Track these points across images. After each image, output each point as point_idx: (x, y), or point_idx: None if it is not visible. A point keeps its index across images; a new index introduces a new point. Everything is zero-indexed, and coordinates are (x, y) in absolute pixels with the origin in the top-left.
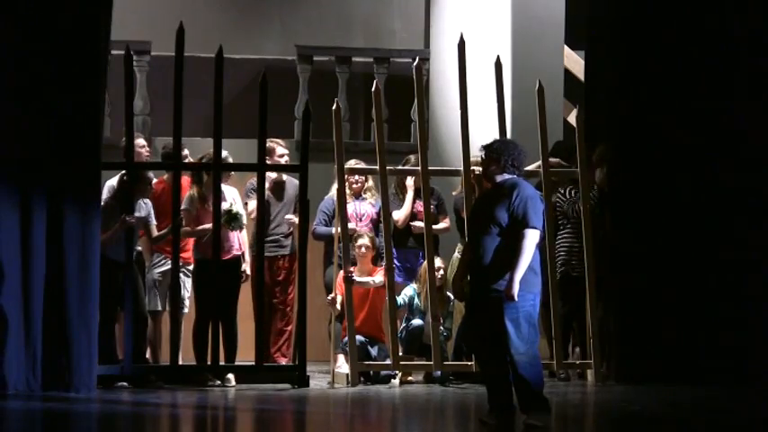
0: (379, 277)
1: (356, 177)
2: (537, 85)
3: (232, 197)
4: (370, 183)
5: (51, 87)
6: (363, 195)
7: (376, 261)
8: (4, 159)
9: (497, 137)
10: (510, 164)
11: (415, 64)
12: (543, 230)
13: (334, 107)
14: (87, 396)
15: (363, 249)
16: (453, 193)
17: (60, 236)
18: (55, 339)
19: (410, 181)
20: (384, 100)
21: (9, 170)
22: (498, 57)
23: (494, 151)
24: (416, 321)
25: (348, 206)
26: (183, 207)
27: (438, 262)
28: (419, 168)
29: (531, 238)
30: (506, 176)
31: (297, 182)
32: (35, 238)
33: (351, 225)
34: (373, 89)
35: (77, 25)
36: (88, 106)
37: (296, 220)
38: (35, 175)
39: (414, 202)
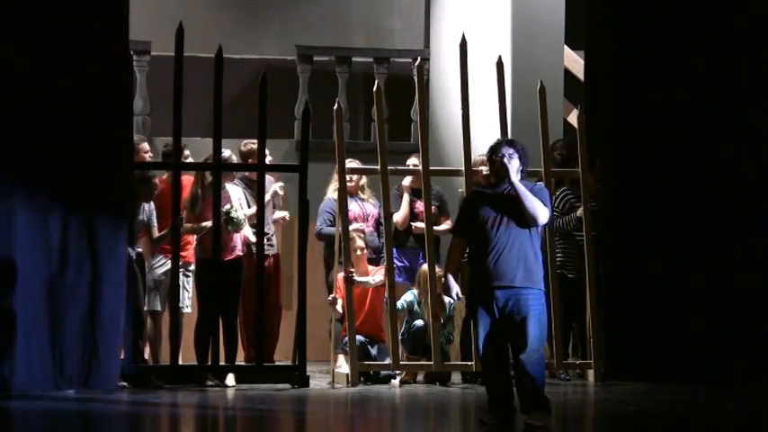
0: (378, 276)
1: (350, 176)
2: (539, 85)
3: (237, 197)
4: (364, 181)
5: (80, 88)
6: (362, 195)
7: (378, 261)
8: (29, 161)
9: (498, 137)
10: (525, 171)
11: (416, 64)
12: (544, 227)
13: (335, 107)
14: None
15: (358, 252)
16: (460, 190)
17: (91, 236)
18: (85, 340)
19: (406, 181)
20: (384, 100)
21: (35, 171)
22: (500, 57)
23: (526, 158)
24: (419, 322)
25: (354, 206)
26: (185, 207)
27: (438, 269)
28: (420, 168)
29: (542, 207)
30: (520, 178)
31: (271, 178)
32: (61, 238)
33: (358, 225)
34: (375, 89)
35: (103, 28)
36: (117, 106)
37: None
38: (62, 175)
39: (413, 202)
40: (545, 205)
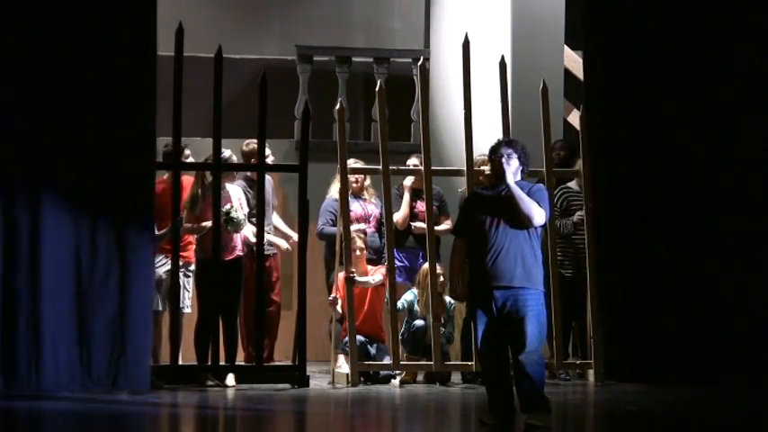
0: (378, 276)
1: (355, 176)
2: (541, 85)
3: (237, 197)
4: (368, 182)
5: (106, 89)
6: (364, 195)
7: (379, 261)
8: (56, 162)
9: (500, 136)
10: (526, 171)
11: (419, 64)
12: (545, 226)
13: (337, 107)
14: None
15: (358, 252)
16: (460, 190)
17: (119, 236)
18: (113, 341)
19: (407, 181)
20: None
21: (63, 171)
22: (503, 56)
23: (527, 158)
24: (419, 322)
25: (356, 206)
26: (185, 207)
27: (438, 268)
28: (422, 168)
29: (539, 210)
30: (519, 178)
31: (271, 179)
32: (89, 239)
33: (361, 226)
34: (377, 88)
35: (129, 33)
36: (141, 106)
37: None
38: (87, 177)
39: (413, 202)
40: (542, 206)
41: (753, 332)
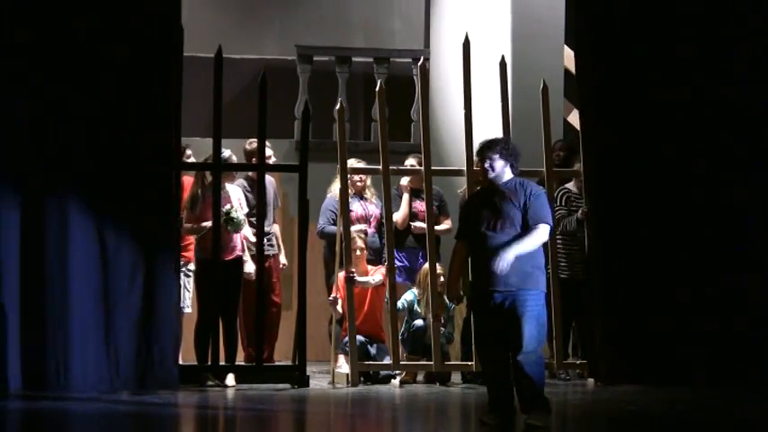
0: (378, 276)
1: (359, 176)
2: (541, 85)
3: (237, 197)
4: (368, 182)
5: (130, 91)
6: (366, 195)
7: (379, 261)
8: (83, 164)
9: (499, 136)
10: (517, 166)
11: (419, 64)
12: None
13: (337, 107)
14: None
15: (358, 252)
16: (459, 190)
17: (143, 237)
18: (139, 341)
19: (404, 181)
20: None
21: (87, 173)
22: (503, 56)
23: (511, 152)
24: (419, 322)
25: (356, 206)
26: (185, 207)
27: (438, 268)
28: (422, 168)
29: (543, 232)
30: (512, 176)
31: (273, 180)
32: (116, 240)
33: (362, 226)
34: (377, 88)
35: (152, 32)
36: (165, 108)
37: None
38: (114, 177)
39: (412, 202)
40: (541, 214)
41: (753, 332)
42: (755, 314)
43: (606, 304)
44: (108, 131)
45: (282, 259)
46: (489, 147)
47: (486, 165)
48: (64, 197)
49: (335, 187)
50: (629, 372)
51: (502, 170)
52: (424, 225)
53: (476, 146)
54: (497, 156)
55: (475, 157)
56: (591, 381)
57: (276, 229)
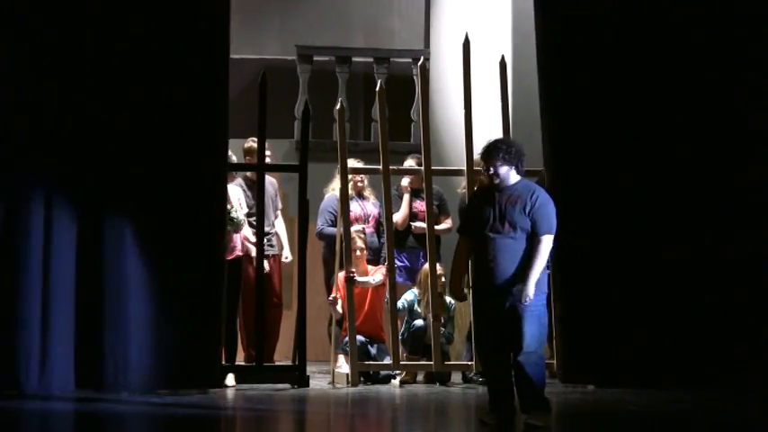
0: (378, 276)
1: (360, 176)
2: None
3: (237, 197)
4: (366, 182)
5: (177, 92)
6: (364, 194)
7: (378, 261)
8: (128, 163)
9: (500, 138)
10: (522, 167)
11: (419, 64)
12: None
13: (337, 107)
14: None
15: (358, 252)
16: (460, 190)
17: (193, 239)
18: (184, 341)
19: (405, 182)
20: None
21: (133, 173)
22: (503, 56)
23: (514, 155)
24: (419, 322)
25: (355, 207)
26: None
27: (438, 268)
28: (422, 168)
29: (548, 243)
30: (519, 178)
31: (274, 180)
32: (166, 242)
33: (359, 226)
34: (377, 88)
35: (200, 31)
36: (213, 109)
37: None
38: (160, 177)
39: (412, 202)
40: (549, 227)
41: (733, 331)
42: (702, 315)
43: (564, 303)
44: (158, 133)
45: (287, 253)
46: (490, 154)
47: (491, 171)
48: (125, 201)
49: (333, 187)
50: (584, 371)
51: (507, 174)
52: (424, 225)
53: (476, 146)
54: (500, 162)
55: (477, 158)
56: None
57: (279, 227)
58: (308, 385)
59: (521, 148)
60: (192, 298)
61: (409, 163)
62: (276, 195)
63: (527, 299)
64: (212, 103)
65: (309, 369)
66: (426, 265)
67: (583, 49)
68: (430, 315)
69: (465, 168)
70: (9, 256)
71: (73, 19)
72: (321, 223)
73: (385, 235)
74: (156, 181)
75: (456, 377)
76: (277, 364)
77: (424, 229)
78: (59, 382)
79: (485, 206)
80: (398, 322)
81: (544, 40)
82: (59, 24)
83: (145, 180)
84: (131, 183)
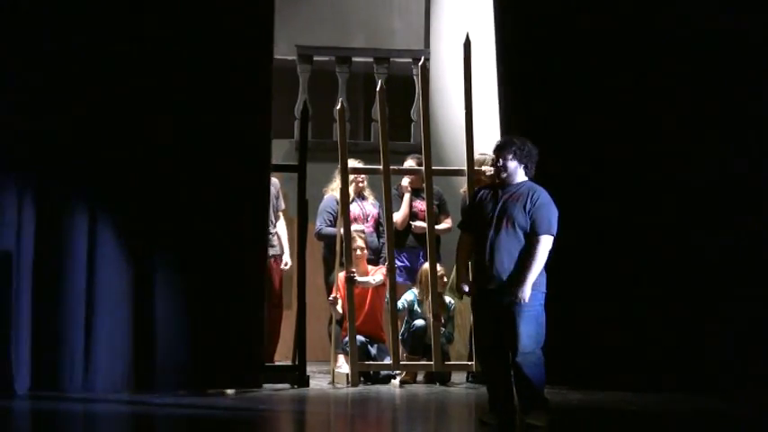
0: (378, 276)
1: (360, 176)
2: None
3: None
4: (366, 182)
5: (221, 90)
6: (364, 195)
7: (377, 261)
8: (171, 164)
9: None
10: (531, 168)
11: (420, 63)
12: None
13: (338, 107)
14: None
15: (358, 251)
16: (461, 191)
17: (238, 234)
18: (222, 340)
19: (405, 181)
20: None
21: (176, 173)
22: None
23: (525, 154)
24: (419, 322)
25: (354, 207)
26: None
27: (439, 268)
28: (422, 168)
29: (546, 244)
30: (525, 179)
31: (276, 181)
32: (211, 242)
33: (359, 226)
34: (378, 88)
35: (245, 34)
36: (258, 110)
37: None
38: (204, 178)
39: (412, 201)
40: (547, 227)
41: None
42: (675, 317)
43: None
44: (201, 131)
45: (286, 258)
46: (503, 146)
47: (500, 164)
48: (166, 205)
49: (333, 187)
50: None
51: (514, 171)
52: (423, 224)
53: (476, 146)
54: (511, 156)
55: (487, 153)
56: None
57: (281, 229)
58: (308, 385)
59: (534, 150)
60: (236, 300)
61: (409, 163)
62: (278, 196)
63: (523, 300)
64: (256, 103)
65: (309, 369)
66: (426, 265)
67: (540, 47)
68: (430, 315)
69: (465, 168)
70: (55, 264)
71: (121, 24)
72: (320, 223)
73: (385, 235)
74: (200, 184)
75: (458, 377)
76: (277, 364)
77: (423, 228)
78: (104, 384)
79: (486, 203)
80: (398, 322)
81: (503, 35)
82: (107, 28)
83: (192, 183)
84: (179, 187)
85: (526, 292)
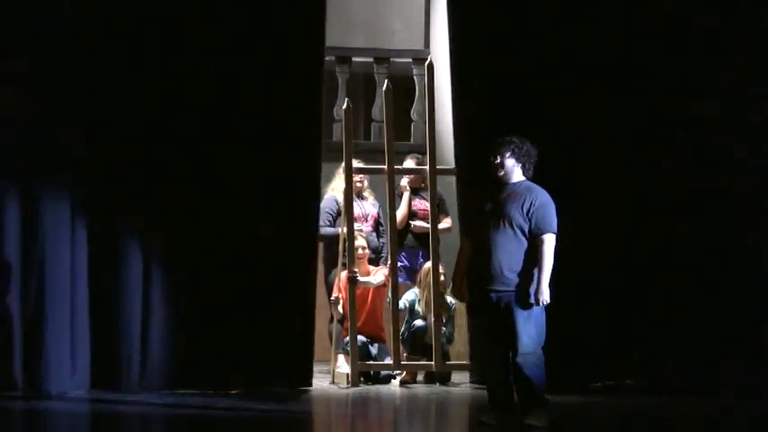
0: (380, 276)
1: (359, 176)
2: (427, 61)
3: None
4: (366, 182)
5: (271, 90)
6: (364, 195)
7: (377, 261)
8: (218, 165)
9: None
10: (529, 168)
11: (426, 63)
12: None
13: (344, 107)
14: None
15: (360, 251)
16: None
17: (286, 239)
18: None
19: (404, 181)
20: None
21: (225, 174)
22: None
23: (524, 153)
24: (419, 322)
25: (354, 206)
26: None
27: (439, 267)
28: (426, 168)
29: (550, 242)
30: (523, 178)
31: None
32: (256, 241)
33: (358, 226)
34: (384, 88)
35: (295, 32)
36: (309, 107)
37: None
38: (253, 181)
39: (411, 201)
40: (549, 225)
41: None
42: (658, 316)
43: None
44: (255, 133)
45: None
46: (502, 144)
47: (497, 161)
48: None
49: (333, 187)
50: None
51: (511, 169)
52: (422, 223)
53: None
54: (508, 153)
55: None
56: None
57: None
58: (309, 385)
59: (533, 150)
60: (284, 300)
61: (408, 163)
62: None
63: (543, 302)
64: (307, 104)
65: None
66: (427, 265)
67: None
68: (430, 315)
69: None
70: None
71: (173, 27)
72: (320, 223)
73: (386, 235)
74: (244, 180)
75: (459, 377)
76: None
77: (422, 227)
78: (160, 382)
79: (488, 204)
80: (400, 321)
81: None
82: (160, 30)
83: (243, 181)
84: (212, 180)
85: (545, 294)
